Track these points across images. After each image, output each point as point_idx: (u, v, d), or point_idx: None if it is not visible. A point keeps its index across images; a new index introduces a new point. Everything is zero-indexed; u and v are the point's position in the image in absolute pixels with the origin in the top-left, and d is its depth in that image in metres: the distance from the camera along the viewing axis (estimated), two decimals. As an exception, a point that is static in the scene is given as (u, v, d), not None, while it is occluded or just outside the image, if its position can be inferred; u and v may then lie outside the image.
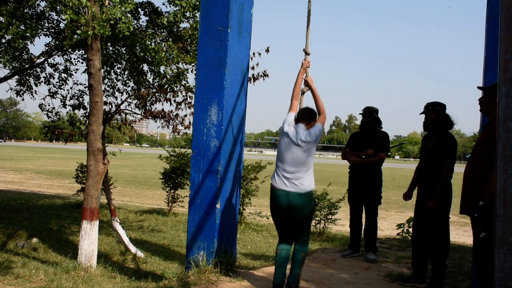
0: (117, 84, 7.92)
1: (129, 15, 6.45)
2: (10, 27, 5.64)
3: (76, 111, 7.86)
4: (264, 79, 7.41)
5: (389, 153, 5.29)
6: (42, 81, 8.27)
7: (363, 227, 5.27)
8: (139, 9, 7.23)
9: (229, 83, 4.38)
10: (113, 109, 7.68)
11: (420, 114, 4.35)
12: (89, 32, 4.79)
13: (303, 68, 4.10)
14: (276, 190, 3.70)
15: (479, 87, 3.19)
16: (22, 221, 8.52)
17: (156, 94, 7.70)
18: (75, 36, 5.66)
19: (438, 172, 4.09)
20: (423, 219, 4.19)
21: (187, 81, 7.51)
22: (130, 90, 7.87)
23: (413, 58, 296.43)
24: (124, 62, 7.53)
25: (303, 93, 4.15)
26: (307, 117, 3.80)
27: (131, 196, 15.81)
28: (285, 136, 3.76)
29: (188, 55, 7.21)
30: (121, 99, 7.74)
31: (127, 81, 7.84)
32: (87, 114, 7.53)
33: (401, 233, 7.71)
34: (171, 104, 7.70)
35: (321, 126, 3.79)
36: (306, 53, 4.22)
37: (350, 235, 5.45)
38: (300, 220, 3.69)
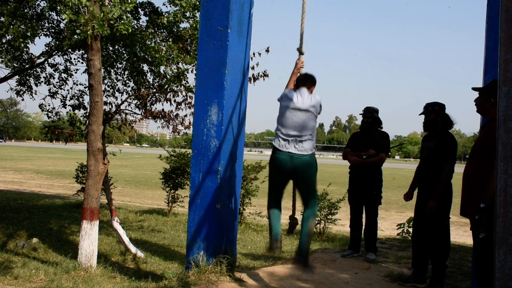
0: (117, 84, 7.92)
1: (129, 15, 6.44)
2: (11, 26, 5.64)
3: (76, 111, 7.87)
4: (264, 79, 7.42)
5: (389, 153, 5.30)
6: (42, 81, 8.27)
7: (363, 227, 5.27)
8: (139, 9, 7.23)
9: (229, 83, 4.38)
10: (113, 109, 7.69)
11: (420, 114, 4.36)
12: (88, 32, 4.79)
13: (297, 68, 4.16)
14: (280, 153, 3.76)
15: (473, 88, 3.18)
16: (22, 221, 8.52)
17: (156, 94, 7.70)
18: (75, 36, 5.66)
19: (438, 172, 4.09)
20: (423, 219, 4.19)
21: (187, 81, 7.51)
22: (130, 90, 7.87)
23: (413, 58, 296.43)
24: (124, 62, 7.53)
25: None
26: (307, 80, 3.92)
27: (131, 196, 15.81)
28: (290, 101, 3.79)
29: (188, 55, 7.21)
30: (121, 99, 7.74)
31: (127, 81, 7.84)
32: (87, 114, 7.53)
33: (401, 233, 7.71)
34: (171, 104, 7.71)
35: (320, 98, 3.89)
36: (300, 53, 4.24)
37: (350, 235, 5.44)
38: (308, 180, 3.78)
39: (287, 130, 3.77)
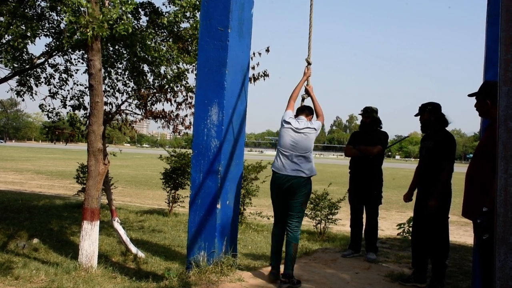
0: (117, 85, 7.92)
1: (129, 15, 6.44)
2: (11, 26, 5.64)
3: (77, 111, 7.86)
4: (264, 79, 7.40)
5: (389, 153, 5.32)
6: (42, 82, 8.25)
7: (364, 227, 5.28)
8: (140, 9, 7.23)
9: (229, 83, 4.38)
10: (114, 109, 7.68)
11: (415, 116, 4.38)
12: (88, 33, 4.78)
13: (306, 77, 4.51)
14: (277, 174, 4.06)
15: (469, 95, 3.20)
16: (22, 222, 8.52)
17: (157, 94, 7.69)
18: (75, 36, 5.66)
19: (437, 172, 4.10)
20: (422, 218, 4.20)
21: (187, 81, 7.50)
22: (131, 91, 7.86)
23: (413, 58, 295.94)
24: (124, 62, 7.52)
25: (303, 99, 4.53)
26: (305, 109, 4.31)
27: (131, 196, 15.80)
28: (287, 124, 4.17)
29: (189, 55, 7.20)
30: (122, 100, 7.73)
31: (128, 82, 7.83)
32: (87, 114, 7.52)
33: (401, 233, 7.71)
34: (171, 104, 7.69)
35: (321, 123, 4.32)
36: (308, 63, 4.53)
37: (350, 235, 5.45)
38: (295, 201, 4.01)
39: (286, 151, 4.07)
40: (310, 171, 4.03)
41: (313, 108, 4.38)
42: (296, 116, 4.27)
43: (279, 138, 4.21)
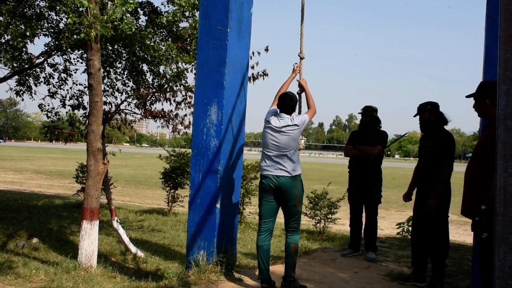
0: (116, 84, 7.91)
1: (128, 15, 6.43)
2: (10, 26, 5.64)
3: (76, 111, 7.86)
4: (263, 79, 7.41)
5: (388, 152, 5.33)
6: (41, 81, 8.25)
7: (363, 226, 5.28)
8: (139, 9, 7.23)
9: (228, 82, 4.38)
10: (113, 109, 7.68)
11: (414, 116, 4.38)
12: (92, 34, 4.77)
13: (295, 73, 4.37)
14: (263, 175, 3.90)
15: (467, 96, 3.20)
16: (22, 221, 8.51)
17: (156, 94, 7.69)
18: (75, 36, 5.65)
19: (437, 171, 4.10)
20: (422, 218, 4.20)
21: (186, 80, 7.51)
22: (130, 90, 7.86)
23: (413, 58, 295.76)
24: (123, 62, 7.52)
25: (299, 95, 4.35)
26: (288, 106, 4.00)
27: (131, 196, 15.80)
28: (268, 124, 3.98)
29: (188, 55, 7.20)
30: (121, 99, 7.73)
31: (127, 81, 7.83)
32: (86, 114, 7.52)
33: (401, 232, 7.72)
34: (170, 103, 7.70)
35: (308, 117, 4.05)
36: (301, 58, 4.43)
37: (350, 235, 5.45)
38: (288, 203, 3.85)
39: (269, 151, 3.89)
40: (294, 170, 3.82)
41: (295, 97, 4.12)
42: (280, 111, 4.02)
43: (262, 139, 4.03)
